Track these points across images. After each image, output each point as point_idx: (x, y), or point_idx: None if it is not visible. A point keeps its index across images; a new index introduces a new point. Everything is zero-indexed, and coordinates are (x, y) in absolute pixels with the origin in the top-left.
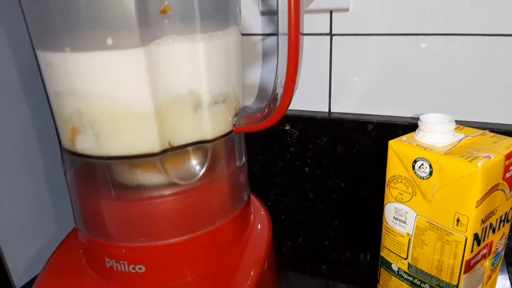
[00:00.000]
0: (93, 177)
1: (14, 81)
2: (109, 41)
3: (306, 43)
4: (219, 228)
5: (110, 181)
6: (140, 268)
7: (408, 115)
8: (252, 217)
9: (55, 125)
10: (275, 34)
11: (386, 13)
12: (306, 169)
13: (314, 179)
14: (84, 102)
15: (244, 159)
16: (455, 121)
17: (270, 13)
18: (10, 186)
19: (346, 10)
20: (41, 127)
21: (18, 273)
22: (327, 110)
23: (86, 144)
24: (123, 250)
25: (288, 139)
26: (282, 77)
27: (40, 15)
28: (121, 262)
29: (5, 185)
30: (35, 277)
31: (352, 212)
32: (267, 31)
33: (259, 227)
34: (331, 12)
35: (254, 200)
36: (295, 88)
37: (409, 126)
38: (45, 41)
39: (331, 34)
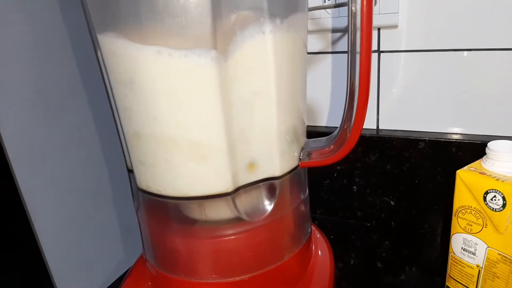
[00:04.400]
0: (166, 215)
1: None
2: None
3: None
4: (286, 262)
5: (182, 219)
6: None
7: (461, 132)
8: (313, 246)
9: (125, 158)
10: (322, 52)
11: (435, 29)
12: (354, 187)
13: (362, 197)
14: (159, 141)
15: (307, 191)
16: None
17: (317, 31)
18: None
19: (395, 27)
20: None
21: None
22: (375, 127)
23: (161, 185)
24: (195, 287)
25: None
26: (353, 100)
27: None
28: None
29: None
30: None
31: (403, 232)
32: (315, 49)
33: (320, 253)
34: (379, 29)
35: (314, 229)
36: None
37: (463, 144)
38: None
39: (379, 51)
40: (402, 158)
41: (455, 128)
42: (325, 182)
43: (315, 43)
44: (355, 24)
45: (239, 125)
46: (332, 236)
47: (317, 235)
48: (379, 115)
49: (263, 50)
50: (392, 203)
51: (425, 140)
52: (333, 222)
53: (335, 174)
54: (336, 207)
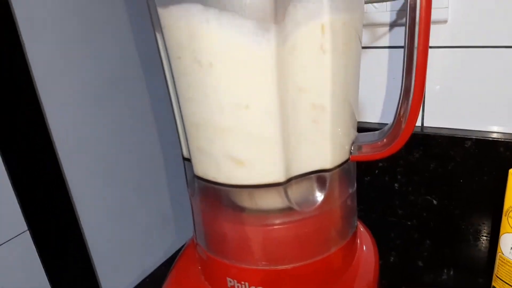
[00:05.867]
0: (221, 202)
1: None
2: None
3: (399, 56)
4: (333, 254)
5: (235, 207)
6: None
7: (508, 131)
8: (358, 240)
9: (181, 146)
10: (371, 47)
11: (485, 25)
12: (396, 184)
13: (404, 195)
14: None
15: (355, 186)
16: None
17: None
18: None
19: (445, 22)
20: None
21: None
22: (419, 124)
23: (217, 173)
24: (246, 272)
25: None
26: (408, 95)
27: None
28: (243, 282)
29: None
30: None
31: (445, 232)
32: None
33: (364, 248)
34: None
35: (359, 224)
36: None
37: (511, 143)
38: None
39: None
40: (446, 157)
41: (502, 127)
42: (366, 178)
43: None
44: (413, 18)
45: (294, 117)
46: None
47: (362, 229)
48: (424, 112)
49: (319, 39)
50: (435, 202)
51: (472, 138)
52: (372, 219)
53: (377, 171)
54: (376, 204)
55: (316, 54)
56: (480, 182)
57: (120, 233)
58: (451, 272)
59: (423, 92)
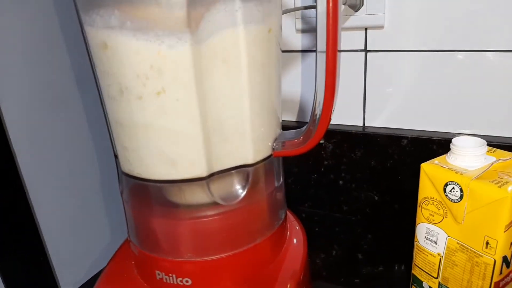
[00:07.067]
0: (147, 197)
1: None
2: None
3: (342, 59)
4: (259, 245)
5: (161, 202)
6: (187, 281)
7: (443, 130)
8: (288, 233)
9: (112, 144)
10: (313, 50)
11: (420, 30)
12: (340, 182)
13: (348, 192)
14: (138, 128)
15: (282, 180)
16: (490, 136)
17: (308, 30)
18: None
19: (381, 27)
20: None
21: (66, 280)
22: (361, 124)
23: (141, 169)
24: (172, 264)
25: (322, 152)
26: (320, 97)
27: None
28: (170, 275)
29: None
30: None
31: (385, 226)
32: (306, 47)
33: (295, 241)
34: (366, 29)
35: (290, 215)
36: (333, 109)
37: (444, 141)
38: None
39: (366, 51)
40: (385, 155)
41: (435, 126)
42: (312, 176)
43: (306, 41)
44: (322, 24)
45: (214, 114)
46: (317, 229)
47: (295, 225)
48: (365, 113)
49: (235, 39)
50: (376, 198)
51: (408, 137)
52: (320, 216)
53: (322, 169)
54: (323, 201)
55: (233, 54)
56: (415, 178)
57: (76, 227)
58: (388, 263)
59: (333, 95)
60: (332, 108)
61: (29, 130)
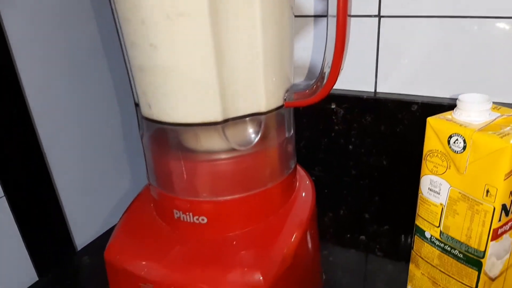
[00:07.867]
0: (165, 141)
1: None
2: None
3: (355, 24)
4: (269, 189)
5: (179, 145)
6: (203, 219)
7: (453, 96)
8: (297, 185)
9: (133, 93)
10: (325, 15)
11: None
12: (350, 146)
13: (357, 156)
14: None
15: (292, 132)
16: (499, 102)
17: None
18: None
19: None
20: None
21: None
22: (373, 90)
23: (160, 112)
24: (190, 204)
25: (333, 117)
26: (329, 57)
27: None
28: (187, 213)
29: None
30: (98, 237)
31: (392, 189)
32: (319, 12)
33: (303, 194)
34: None
35: (300, 170)
36: (341, 68)
37: (454, 106)
38: None
39: (379, 16)
40: (395, 120)
41: (448, 92)
42: (323, 141)
43: (319, 6)
44: None
45: (229, 62)
46: (326, 191)
47: (306, 180)
48: (377, 78)
49: None
50: (385, 162)
51: (418, 102)
52: (329, 179)
53: (333, 134)
54: (333, 165)
55: (247, 13)
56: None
57: (93, 192)
58: (394, 222)
59: (343, 50)
60: (341, 60)
61: (45, 82)
